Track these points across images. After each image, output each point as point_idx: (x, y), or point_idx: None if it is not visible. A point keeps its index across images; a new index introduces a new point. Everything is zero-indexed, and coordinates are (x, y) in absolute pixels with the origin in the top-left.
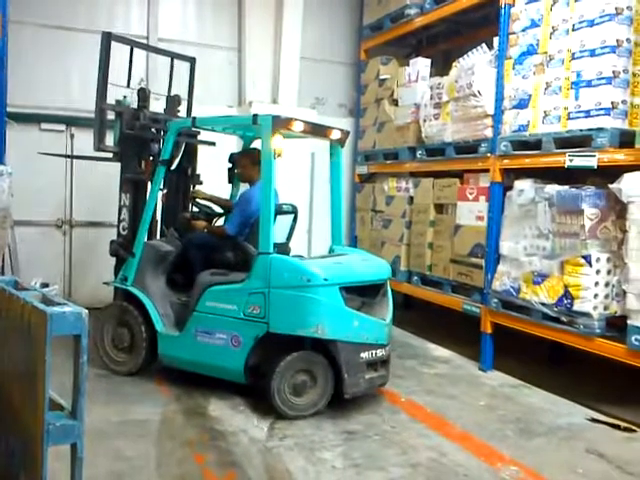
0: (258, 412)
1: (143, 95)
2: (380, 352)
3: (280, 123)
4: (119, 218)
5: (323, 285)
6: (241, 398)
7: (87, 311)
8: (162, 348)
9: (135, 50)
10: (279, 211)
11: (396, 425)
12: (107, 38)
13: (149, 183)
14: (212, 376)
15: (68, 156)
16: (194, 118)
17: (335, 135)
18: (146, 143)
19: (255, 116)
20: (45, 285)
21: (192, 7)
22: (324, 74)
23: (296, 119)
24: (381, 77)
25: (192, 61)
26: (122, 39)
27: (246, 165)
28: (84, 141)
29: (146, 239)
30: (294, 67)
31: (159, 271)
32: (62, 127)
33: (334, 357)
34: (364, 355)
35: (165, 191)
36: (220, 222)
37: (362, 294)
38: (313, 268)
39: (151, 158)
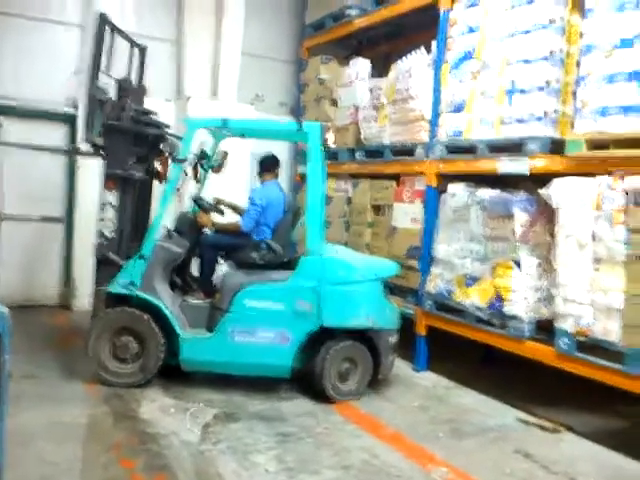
0: (190, 415)
1: (126, 85)
2: (397, 336)
3: (325, 131)
4: (100, 218)
5: (372, 280)
6: (173, 400)
7: (8, 309)
8: (186, 352)
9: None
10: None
11: (330, 427)
12: (103, 20)
13: (163, 182)
14: (249, 375)
15: None
16: (225, 120)
17: (330, 139)
18: (139, 138)
19: (300, 124)
20: None
21: None
22: (265, 71)
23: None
24: (321, 76)
25: (144, 49)
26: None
27: (264, 168)
28: (14, 131)
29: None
30: (235, 62)
31: (165, 273)
32: None
33: (370, 344)
34: (391, 339)
35: (179, 190)
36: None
37: None
38: (362, 265)
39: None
